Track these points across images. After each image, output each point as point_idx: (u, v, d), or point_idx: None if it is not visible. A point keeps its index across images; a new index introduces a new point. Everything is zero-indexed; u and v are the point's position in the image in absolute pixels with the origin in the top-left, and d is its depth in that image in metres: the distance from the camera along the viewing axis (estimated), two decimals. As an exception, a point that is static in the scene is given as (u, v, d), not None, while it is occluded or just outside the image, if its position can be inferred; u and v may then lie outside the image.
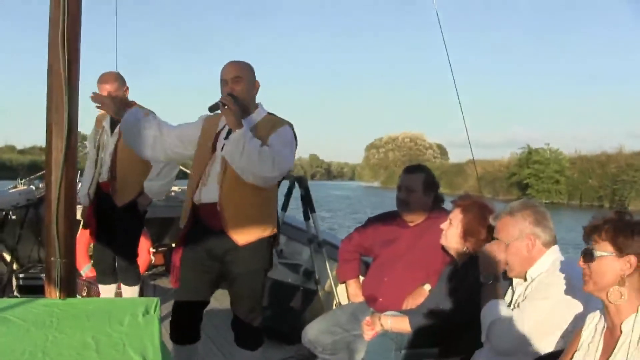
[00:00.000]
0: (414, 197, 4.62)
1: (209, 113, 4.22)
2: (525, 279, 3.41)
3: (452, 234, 4.07)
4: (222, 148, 4.16)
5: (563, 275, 3.23)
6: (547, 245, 3.37)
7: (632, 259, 2.61)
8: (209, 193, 4.21)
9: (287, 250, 8.00)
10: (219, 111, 4.16)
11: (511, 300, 3.47)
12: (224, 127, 4.27)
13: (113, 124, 5.93)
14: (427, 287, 4.38)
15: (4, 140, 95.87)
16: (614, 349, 2.62)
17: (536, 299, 3.26)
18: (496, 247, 3.52)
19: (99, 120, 6.15)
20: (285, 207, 6.76)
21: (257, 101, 4.41)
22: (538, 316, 3.21)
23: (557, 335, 3.19)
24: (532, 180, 55.33)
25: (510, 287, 3.54)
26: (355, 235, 5.11)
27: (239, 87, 4.23)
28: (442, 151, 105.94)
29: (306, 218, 6.60)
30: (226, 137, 4.15)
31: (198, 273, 4.32)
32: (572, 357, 2.83)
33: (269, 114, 4.40)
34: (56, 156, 3.44)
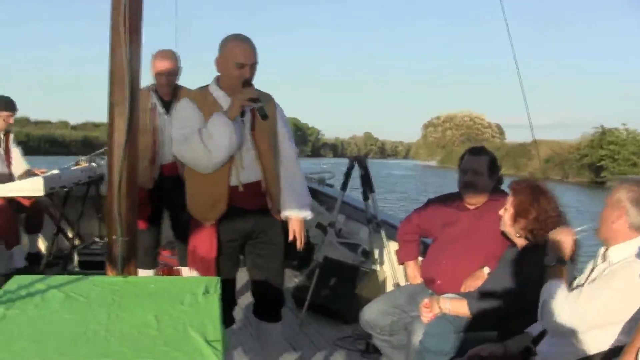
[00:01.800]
0: (480, 180, 4.57)
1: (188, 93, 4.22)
2: (605, 258, 3.30)
3: (506, 218, 4.03)
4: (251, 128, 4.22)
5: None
6: (635, 229, 3.21)
7: None
8: (249, 173, 4.24)
9: (345, 229, 8.01)
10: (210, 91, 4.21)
11: (588, 277, 3.37)
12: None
13: (165, 105, 5.90)
14: (486, 270, 4.33)
15: (57, 116, 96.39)
16: None
17: (600, 286, 3.16)
18: (565, 231, 3.47)
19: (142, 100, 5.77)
20: (344, 186, 6.74)
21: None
22: (595, 304, 3.12)
23: (614, 328, 3.10)
24: (607, 162, 52.76)
25: (591, 262, 3.44)
26: (414, 216, 5.08)
27: (253, 74, 4.22)
28: (500, 131, 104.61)
29: (365, 198, 6.58)
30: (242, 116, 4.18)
31: (233, 257, 4.36)
32: None
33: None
34: (118, 137, 3.47)
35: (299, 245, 4.47)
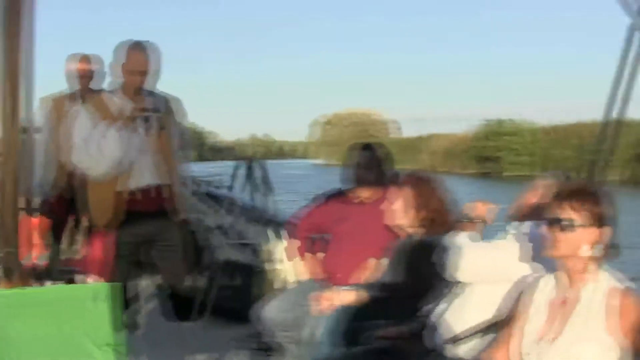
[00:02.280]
0: (369, 174, 4.72)
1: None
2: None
3: (397, 211, 4.19)
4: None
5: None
6: None
7: (603, 230, 2.73)
8: (141, 176, 4.29)
9: (242, 230, 8.06)
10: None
11: None
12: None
13: None
14: (383, 261, 4.49)
15: None
16: (570, 314, 2.75)
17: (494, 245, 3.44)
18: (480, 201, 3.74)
19: (56, 106, 5.80)
20: (231, 187, 6.82)
21: None
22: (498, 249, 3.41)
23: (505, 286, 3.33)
24: (504, 153, 52.90)
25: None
26: (309, 213, 5.22)
27: (144, 82, 4.34)
28: (397, 126, 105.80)
29: (257, 198, 6.66)
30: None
31: (132, 261, 4.43)
32: (524, 321, 2.94)
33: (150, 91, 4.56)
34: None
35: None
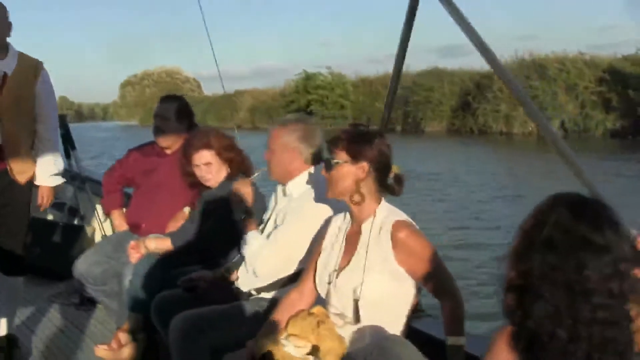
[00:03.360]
0: (167, 124, 4.91)
1: None
2: (285, 193, 3.75)
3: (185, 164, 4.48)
4: None
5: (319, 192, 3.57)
6: (309, 162, 3.67)
7: (365, 165, 3.01)
8: None
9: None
10: None
11: (271, 212, 3.82)
12: None
13: None
14: (187, 209, 4.70)
15: None
16: (356, 246, 3.06)
17: (291, 221, 3.59)
18: (241, 184, 3.90)
19: None
20: None
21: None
22: (291, 237, 3.57)
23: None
24: (316, 107, 52.37)
25: (273, 198, 3.88)
26: (116, 167, 5.33)
27: None
28: (197, 84, 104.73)
29: (67, 156, 6.65)
30: None
31: None
32: (318, 257, 3.24)
33: (20, 54, 4.51)
34: None
35: (42, 209, 4.79)
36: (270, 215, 3.83)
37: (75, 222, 6.96)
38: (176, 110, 4.94)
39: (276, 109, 55.98)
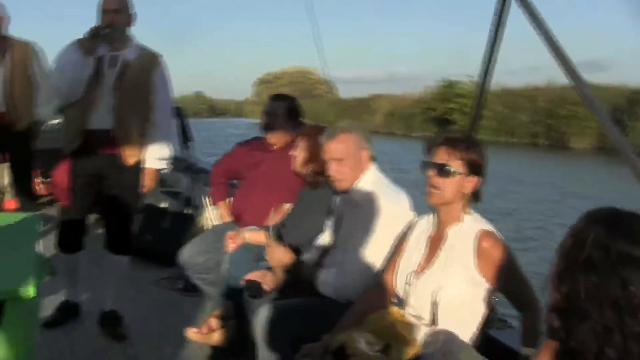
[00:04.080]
0: (276, 121, 5.06)
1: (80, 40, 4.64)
2: (348, 197, 3.79)
3: (297, 160, 4.45)
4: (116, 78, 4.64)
5: (387, 189, 3.69)
6: (372, 161, 3.77)
7: (476, 180, 3.05)
8: (100, 120, 4.65)
9: (167, 179, 8.33)
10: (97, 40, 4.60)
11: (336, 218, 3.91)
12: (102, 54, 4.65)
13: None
14: (287, 205, 4.81)
15: None
16: (438, 250, 3.09)
17: (365, 226, 3.64)
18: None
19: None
20: None
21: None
22: (372, 242, 3.61)
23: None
24: (456, 115, 49.07)
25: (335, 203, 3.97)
26: (224, 159, 5.55)
27: (119, 18, 4.64)
28: (332, 86, 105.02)
29: (183, 147, 6.93)
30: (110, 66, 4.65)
31: (85, 193, 4.82)
32: (399, 257, 3.30)
33: (141, 46, 4.82)
34: None
35: (145, 190, 5.04)
36: (336, 221, 3.93)
37: (190, 211, 7.24)
38: (286, 109, 5.10)
39: (414, 115, 54.80)
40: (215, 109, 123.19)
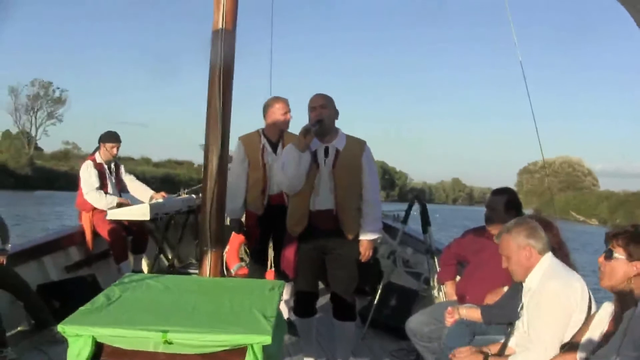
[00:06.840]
0: (496, 215, 5.50)
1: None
2: (526, 288, 4.23)
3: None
4: (332, 166, 5.53)
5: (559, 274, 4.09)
6: (542, 253, 4.17)
7: (639, 264, 3.39)
8: (323, 201, 5.46)
9: (412, 260, 8.90)
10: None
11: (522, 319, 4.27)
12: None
13: (273, 145, 6.90)
14: (505, 288, 5.18)
15: (139, 153, 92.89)
16: (615, 329, 3.41)
17: (535, 301, 4.08)
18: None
19: (248, 142, 6.97)
20: (405, 220, 7.80)
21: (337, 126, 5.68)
22: (551, 326, 3.97)
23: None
24: None
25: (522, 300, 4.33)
26: (453, 244, 6.09)
27: (325, 112, 5.49)
28: (596, 179, 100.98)
29: (424, 231, 7.52)
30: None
31: (313, 264, 5.63)
32: (585, 332, 3.66)
33: (347, 135, 5.68)
34: (211, 170, 4.60)
35: (364, 259, 5.73)
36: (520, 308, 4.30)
37: (427, 291, 7.75)
38: (505, 202, 5.52)
39: None
40: (472, 197, 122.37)
